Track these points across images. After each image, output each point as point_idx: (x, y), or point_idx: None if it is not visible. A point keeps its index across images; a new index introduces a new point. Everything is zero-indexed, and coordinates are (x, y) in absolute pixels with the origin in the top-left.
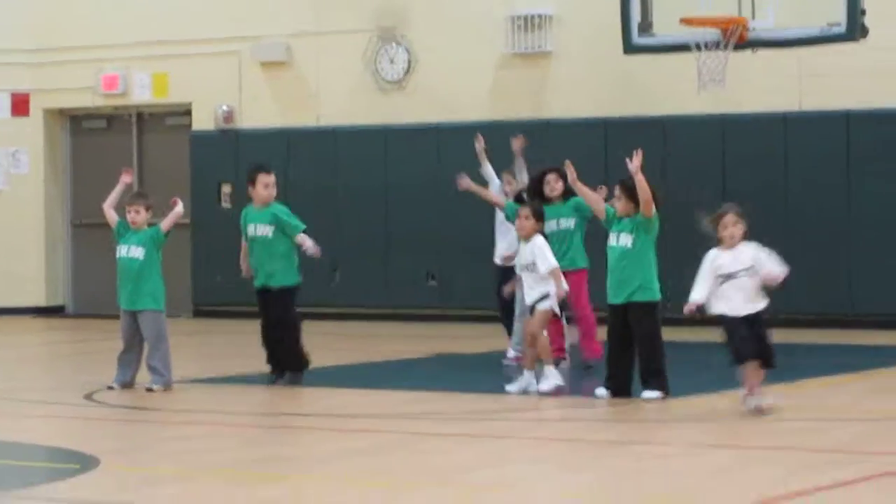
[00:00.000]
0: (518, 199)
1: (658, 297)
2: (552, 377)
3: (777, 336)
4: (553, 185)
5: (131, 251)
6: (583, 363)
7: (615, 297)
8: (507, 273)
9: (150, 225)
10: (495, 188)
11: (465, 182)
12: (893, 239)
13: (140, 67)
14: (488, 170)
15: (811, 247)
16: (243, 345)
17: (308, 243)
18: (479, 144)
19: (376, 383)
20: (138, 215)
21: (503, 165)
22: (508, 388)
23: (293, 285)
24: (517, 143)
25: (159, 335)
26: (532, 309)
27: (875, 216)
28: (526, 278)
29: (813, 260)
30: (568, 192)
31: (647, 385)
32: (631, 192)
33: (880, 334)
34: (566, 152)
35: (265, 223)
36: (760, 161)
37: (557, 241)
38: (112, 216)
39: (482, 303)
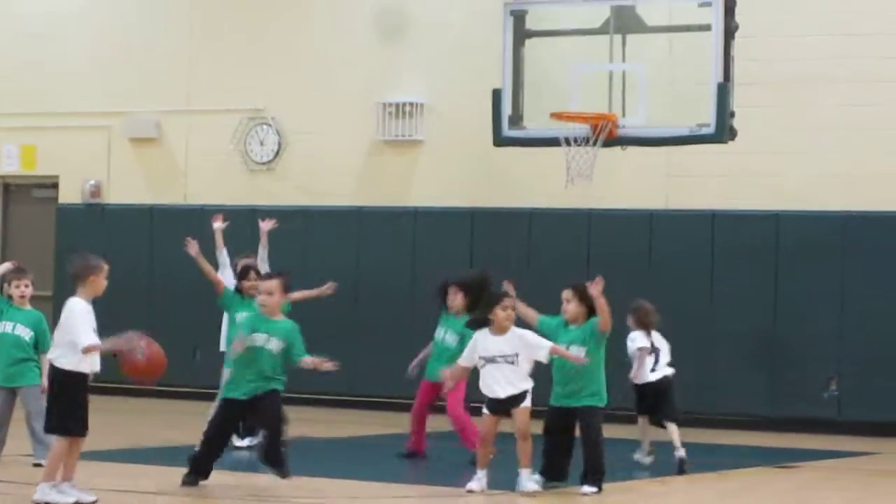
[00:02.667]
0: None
1: (605, 401)
2: (536, 481)
3: (623, 433)
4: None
5: (18, 329)
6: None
7: (567, 400)
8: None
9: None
10: (228, 277)
11: (194, 248)
12: (756, 340)
13: (8, 138)
14: (223, 255)
15: (674, 344)
16: (109, 422)
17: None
18: (218, 224)
19: (239, 466)
20: (28, 289)
21: (370, 250)
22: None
23: None
24: (266, 225)
25: (41, 409)
26: (500, 402)
27: (738, 317)
28: (501, 371)
29: (676, 358)
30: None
31: (588, 481)
32: (583, 296)
33: (734, 434)
34: (432, 241)
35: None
36: (626, 257)
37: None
38: None
39: (360, 386)
